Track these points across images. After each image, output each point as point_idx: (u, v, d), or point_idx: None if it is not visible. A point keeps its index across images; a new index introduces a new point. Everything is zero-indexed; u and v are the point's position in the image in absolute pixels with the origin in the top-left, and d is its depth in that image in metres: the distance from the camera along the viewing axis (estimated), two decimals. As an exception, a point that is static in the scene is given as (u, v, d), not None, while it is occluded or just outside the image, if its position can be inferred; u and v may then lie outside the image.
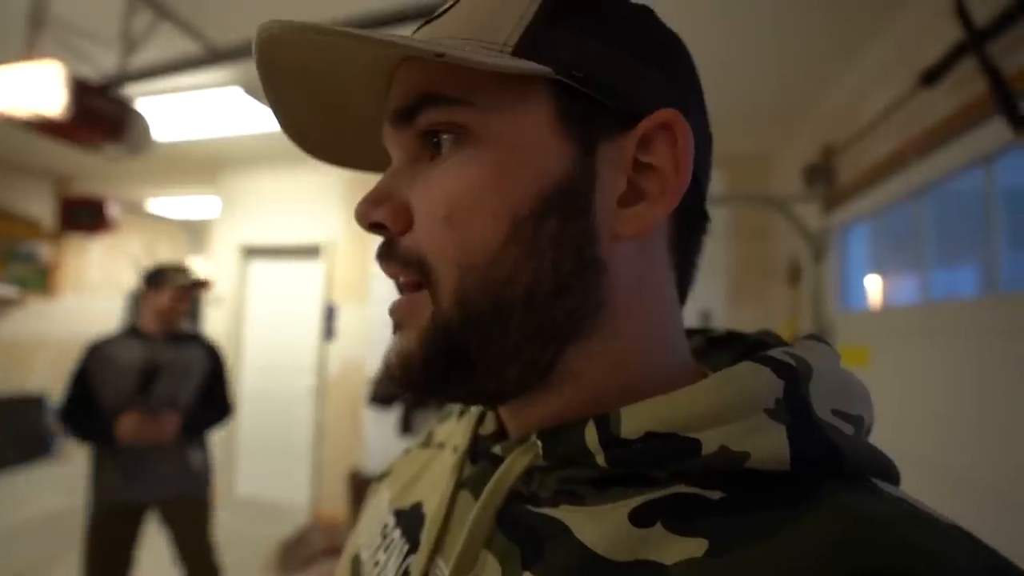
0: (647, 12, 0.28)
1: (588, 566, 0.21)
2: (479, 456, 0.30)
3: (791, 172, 2.51)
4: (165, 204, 4.52)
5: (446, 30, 0.25)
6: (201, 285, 1.73)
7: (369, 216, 0.26)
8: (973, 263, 1.52)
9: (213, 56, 1.66)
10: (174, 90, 2.34)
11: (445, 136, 0.25)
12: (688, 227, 0.28)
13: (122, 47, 1.62)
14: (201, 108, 2.49)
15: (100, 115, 1.42)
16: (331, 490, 3.14)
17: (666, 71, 0.27)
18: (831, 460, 0.21)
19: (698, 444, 0.21)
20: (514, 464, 0.25)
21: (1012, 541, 1.09)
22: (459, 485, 0.29)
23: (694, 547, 0.20)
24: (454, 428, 0.36)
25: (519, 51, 0.24)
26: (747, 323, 2.74)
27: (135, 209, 4.45)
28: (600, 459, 0.23)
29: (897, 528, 0.18)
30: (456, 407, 0.39)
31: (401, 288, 0.27)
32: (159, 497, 1.63)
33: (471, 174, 0.24)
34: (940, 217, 1.61)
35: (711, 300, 2.74)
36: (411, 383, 0.26)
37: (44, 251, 3.86)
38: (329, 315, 3.27)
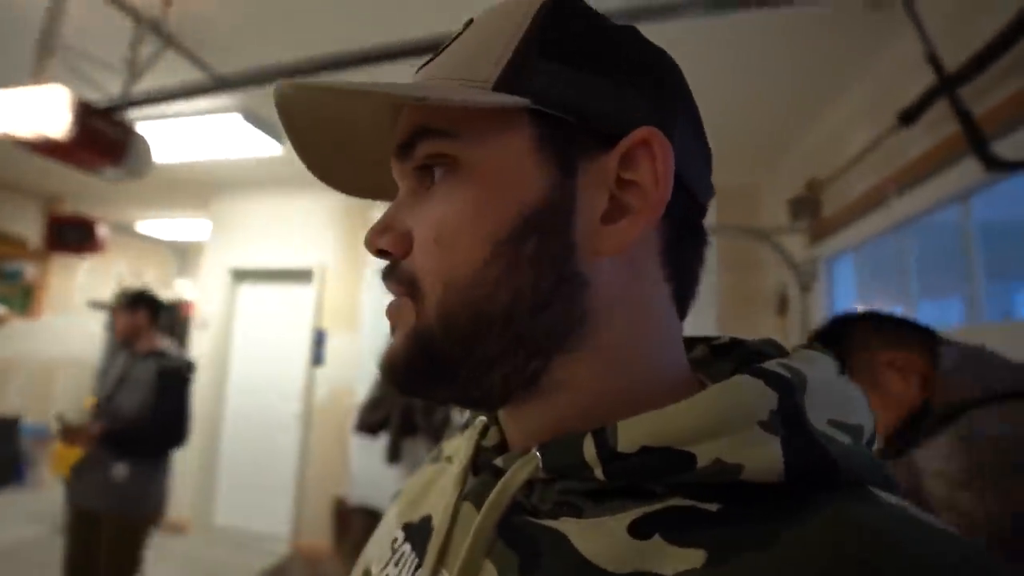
0: (629, 31, 0.29)
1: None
2: (481, 468, 0.30)
3: (778, 204, 2.59)
4: (154, 226, 4.49)
5: (438, 71, 0.28)
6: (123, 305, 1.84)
7: (375, 243, 0.29)
8: (957, 295, 1.57)
9: (216, 84, 1.69)
10: (175, 115, 2.37)
11: (437, 168, 0.28)
12: (682, 238, 0.29)
13: (128, 73, 1.65)
14: (199, 133, 2.52)
15: (103, 138, 1.43)
16: (314, 520, 3.05)
17: (646, 90, 0.27)
18: (826, 470, 0.22)
19: (693, 457, 0.22)
20: (515, 476, 0.26)
21: None
22: (462, 497, 0.30)
23: (693, 558, 0.20)
24: (460, 442, 0.36)
25: (499, 86, 0.26)
26: (736, 352, 2.76)
27: (124, 230, 4.42)
28: (598, 472, 0.24)
29: (889, 533, 0.19)
30: (464, 421, 0.40)
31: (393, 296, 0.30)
32: (88, 506, 1.68)
33: (456, 200, 0.27)
34: (922, 250, 1.67)
35: (699, 331, 2.77)
36: (394, 379, 0.28)
37: (29, 270, 3.80)
38: (318, 340, 3.24)
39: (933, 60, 1.19)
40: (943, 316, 1.71)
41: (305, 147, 0.32)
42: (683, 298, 0.30)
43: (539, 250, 0.26)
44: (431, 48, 1.43)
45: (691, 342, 0.33)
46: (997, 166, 1.08)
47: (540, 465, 0.25)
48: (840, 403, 0.25)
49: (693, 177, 0.28)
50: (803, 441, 0.22)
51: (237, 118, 2.35)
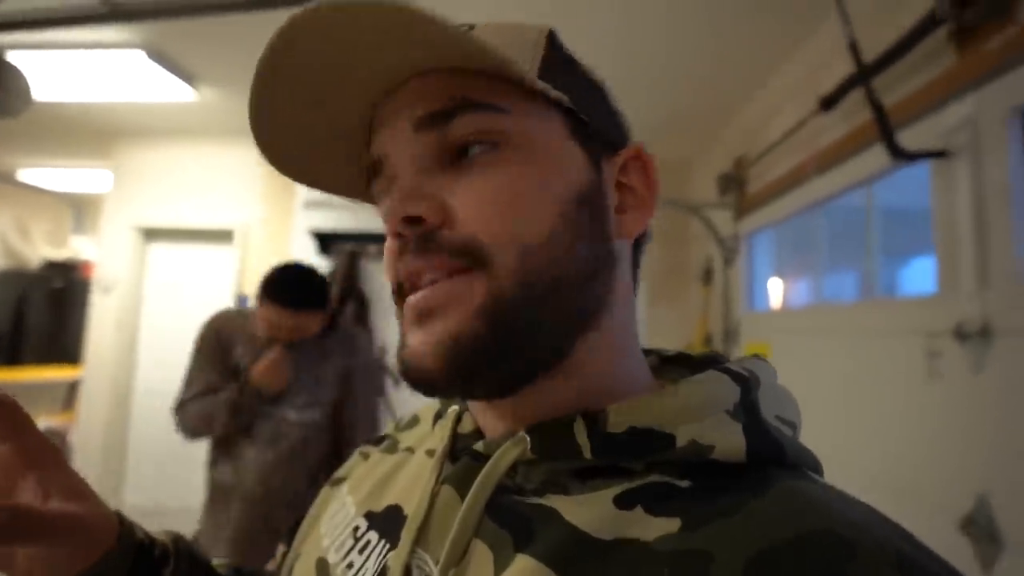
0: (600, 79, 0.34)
1: (578, 544, 0.24)
2: (458, 455, 0.31)
3: (708, 180, 2.70)
4: (43, 175, 3.96)
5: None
6: None
7: (407, 210, 0.27)
8: (855, 270, 1.73)
9: (110, 11, 1.47)
10: (62, 45, 2.05)
11: (479, 144, 0.27)
12: (639, 242, 0.34)
13: (-7, -12, 1.39)
14: (94, 69, 2.21)
15: (-38, 65, 1.21)
16: (240, 492, 2.93)
17: (617, 109, 0.34)
18: (776, 454, 0.26)
19: (673, 438, 0.25)
20: (503, 458, 0.28)
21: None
22: (440, 482, 0.30)
23: (670, 525, 0.23)
24: (427, 433, 0.38)
25: (541, 77, 0.28)
26: (664, 322, 2.91)
27: (4, 179, 3.86)
28: (587, 452, 0.26)
29: (829, 504, 0.23)
30: (428, 414, 0.40)
31: (429, 281, 0.27)
32: None
33: (519, 171, 0.27)
34: (830, 228, 1.81)
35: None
36: (455, 368, 0.26)
37: None
38: (241, 306, 3.04)
39: (853, 48, 1.25)
40: (841, 290, 1.90)
41: (266, 108, 0.28)
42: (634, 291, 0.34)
43: (591, 222, 0.29)
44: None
45: (644, 352, 0.36)
46: (901, 155, 1.17)
47: (528, 447, 0.27)
48: (782, 402, 0.30)
49: None
50: (759, 429, 0.26)
51: (140, 55, 2.08)
